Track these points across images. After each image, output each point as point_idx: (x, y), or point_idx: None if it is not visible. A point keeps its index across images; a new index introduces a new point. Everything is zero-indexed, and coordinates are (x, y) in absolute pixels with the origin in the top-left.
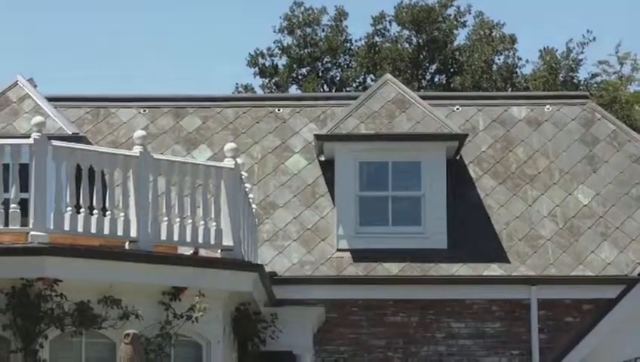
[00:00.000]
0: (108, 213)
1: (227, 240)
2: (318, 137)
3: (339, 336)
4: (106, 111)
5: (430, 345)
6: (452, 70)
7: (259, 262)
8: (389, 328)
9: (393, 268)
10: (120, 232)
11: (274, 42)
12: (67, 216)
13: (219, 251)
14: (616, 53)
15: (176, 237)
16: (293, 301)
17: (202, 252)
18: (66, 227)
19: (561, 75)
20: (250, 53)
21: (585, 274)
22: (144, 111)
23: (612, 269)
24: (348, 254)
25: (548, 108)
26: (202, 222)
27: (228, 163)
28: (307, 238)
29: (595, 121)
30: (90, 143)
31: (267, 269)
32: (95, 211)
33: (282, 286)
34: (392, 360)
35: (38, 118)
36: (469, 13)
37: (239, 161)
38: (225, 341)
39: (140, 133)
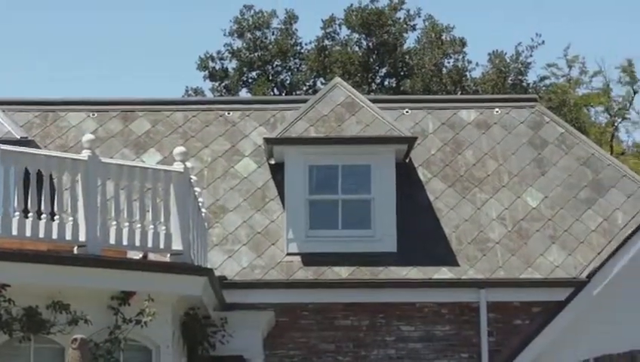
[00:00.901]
0: (56, 217)
1: (176, 245)
2: (267, 141)
3: (289, 340)
4: (54, 115)
5: (380, 348)
6: (402, 73)
7: (208, 266)
8: (338, 332)
9: (343, 272)
10: (68, 237)
11: (224, 45)
12: (15, 220)
13: (168, 255)
14: (564, 56)
15: (125, 242)
16: (243, 305)
17: (151, 256)
18: (14, 231)
19: (510, 78)
20: (200, 57)
21: (534, 277)
22: (93, 114)
23: (560, 272)
24: (298, 258)
25: (497, 112)
26: (151, 226)
27: (177, 167)
28: (257, 242)
29: (543, 124)
30: (38, 147)
31: (217, 273)
32: (43, 215)
33: (232, 290)
34: None
35: None
36: (419, 17)
37: (189, 164)
38: (174, 345)
39: (88, 136)
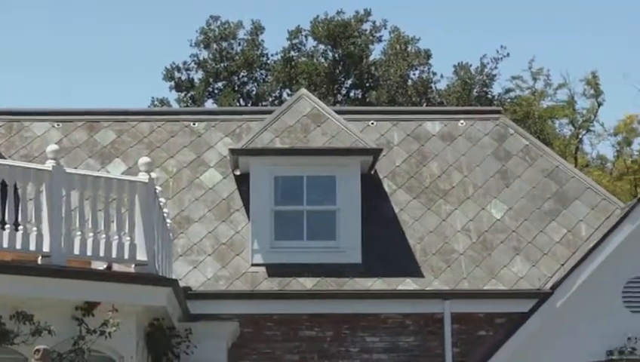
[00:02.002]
0: (20, 227)
1: (141, 255)
2: (233, 151)
3: (253, 351)
4: (19, 125)
5: (345, 359)
6: (368, 85)
7: (173, 277)
8: (303, 343)
9: (308, 283)
10: (32, 247)
11: (190, 56)
12: None
13: (132, 266)
14: (529, 68)
15: (89, 252)
16: (208, 316)
17: (116, 267)
18: None
19: (475, 90)
20: (166, 67)
21: (498, 288)
22: (58, 125)
23: (524, 283)
24: (263, 269)
25: (462, 123)
26: (116, 237)
27: (142, 177)
28: (222, 253)
29: (508, 136)
30: (2, 157)
31: (182, 284)
32: (7, 226)
33: (197, 301)
34: None
35: None
36: (385, 28)
37: (153, 175)
38: (138, 356)
39: (52, 147)
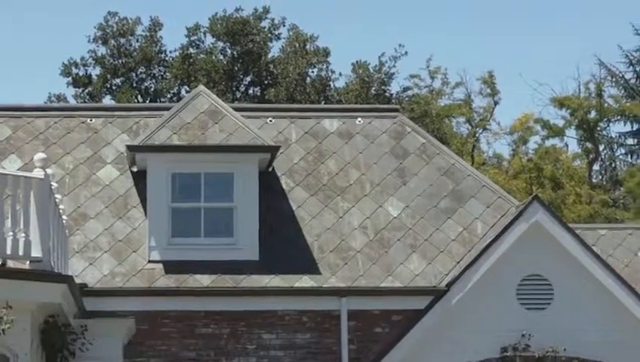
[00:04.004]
0: None
1: (36, 252)
2: (130, 148)
3: (149, 348)
4: None
5: (241, 356)
6: (266, 82)
7: (69, 274)
8: (200, 339)
9: (205, 280)
10: None
11: (88, 52)
12: None
13: (27, 262)
14: (427, 67)
15: None
16: (104, 313)
17: (10, 263)
18: None
19: (373, 88)
20: (63, 63)
21: (394, 286)
22: None
23: (420, 280)
24: (160, 266)
25: (359, 121)
26: (10, 233)
27: (37, 173)
28: (118, 250)
29: (405, 134)
30: None
31: (77, 281)
32: None
33: (93, 297)
34: None
35: None
36: (284, 26)
37: (49, 171)
38: (33, 353)
39: None
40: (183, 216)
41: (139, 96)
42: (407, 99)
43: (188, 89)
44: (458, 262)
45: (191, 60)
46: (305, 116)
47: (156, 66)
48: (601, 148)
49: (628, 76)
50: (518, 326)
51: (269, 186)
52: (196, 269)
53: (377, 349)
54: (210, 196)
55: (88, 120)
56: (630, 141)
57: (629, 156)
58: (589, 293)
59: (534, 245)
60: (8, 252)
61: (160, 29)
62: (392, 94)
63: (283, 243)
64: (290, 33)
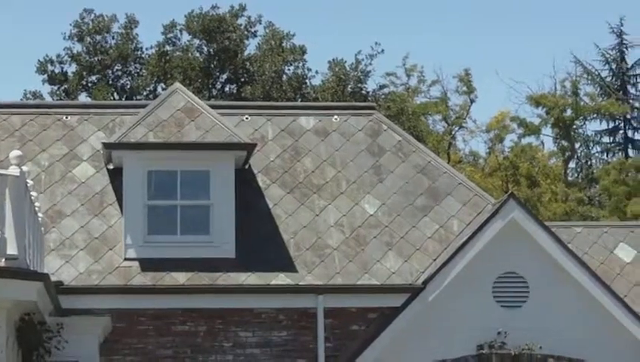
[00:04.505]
0: None
1: (11, 249)
2: (106, 145)
3: (126, 346)
4: None
5: (218, 354)
6: (242, 80)
7: (45, 271)
8: (176, 337)
9: (181, 278)
10: None
11: (64, 49)
12: None
13: (2, 260)
14: (403, 65)
15: None
16: (80, 310)
17: None
18: None
19: (349, 86)
20: (39, 60)
21: (370, 283)
22: None
23: (397, 278)
24: (136, 263)
25: (336, 119)
26: None
27: (13, 171)
28: (95, 247)
29: (381, 132)
30: None
31: (53, 278)
32: None
33: (69, 295)
34: None
35: None
36: (260, 24)
37: (25, 168)
38: (8, 351)
39: None
40: (159, 213)
41: (115, 94)
42: (383, 97)
43: (164, 86)
44: (434, 260)
45: (167, 58)
46: (281, 114)
47: (132, 64)
48: (577, 146)
49: (604, 74)
50: (494, 323)
51: (246, 184)
52: (172, 267)
53: (354, 347)
54: (186, 194)
55: (64, 117)
56: (606, 139)
57: (605, 154)
58: (564, 291)
59: (510, 243)
60: None
61: (136, 27)
62: (368, 92)
63: (259, 240)
64: (267, 31)
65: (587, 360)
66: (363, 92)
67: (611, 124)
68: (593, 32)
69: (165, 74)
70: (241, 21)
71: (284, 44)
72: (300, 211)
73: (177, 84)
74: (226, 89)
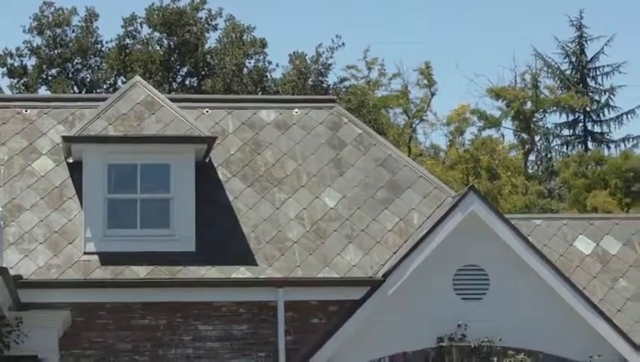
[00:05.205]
0: None
1: None
2: (65, 139)
3: (85, 340)
4: None
5: (178, 347)
6: (203, 73)
7: (4, 266)
8: (136, 331)
9: (141, 271)
10: None
11: (23, 42)
12: None
13: None
14: (364, 58)
15: None
16: (40, 304)
17: None
18: None
19: (310, 79)
20: None
21: (331, 276)
22: None
23: (357, 271)
24: (95, 257)
25: (296, 112)
26: None
27: None
28: (54, 241)
29: (342, 125)
30: None
31: (12, 272)
32: None
33: (28, 289)
34: None
35: None
36: (220, 17)
37: None
38: None
39: None
40: (119, 207)
41: (75, 87)
42: (344, 90)
43: (124, 80)
44: (394, 253)
45: (127, 51)
46: (242, 107)
47: (92, 57)
48: (536, 139)
49: (564, 67)
50: (454, 316)
51: (206, 177)
52: (132, 261)
53: (314, 340)
54: (146, 187)
55: (23, 110)
56: (566, 132)
57: (565, 147)
58: (524, 283)
59: (470, 235)
60: None
61: (96, 20)
62: (329, 85)
63: (220, 234)
64: (227, 24)
65: (546, 352)
66: (324, 85)
67: (571, 117)
68: (553, 25)
69: (125, 67)
70: (202, 14)
71: (244, 38)
72: (260, 204)
73: (137, 78)
74: (187, 82)
